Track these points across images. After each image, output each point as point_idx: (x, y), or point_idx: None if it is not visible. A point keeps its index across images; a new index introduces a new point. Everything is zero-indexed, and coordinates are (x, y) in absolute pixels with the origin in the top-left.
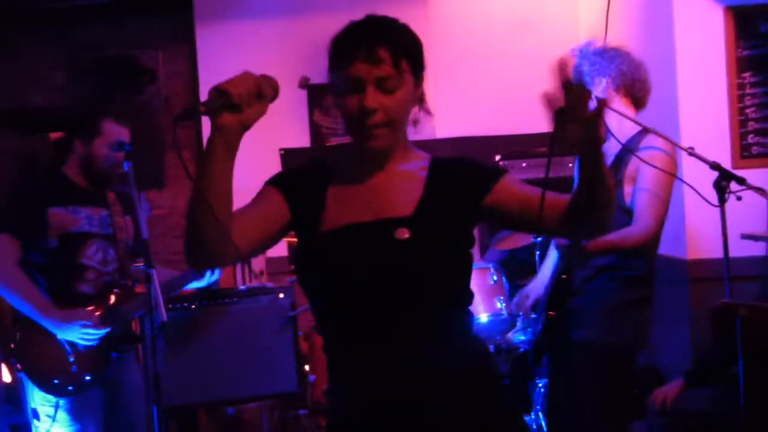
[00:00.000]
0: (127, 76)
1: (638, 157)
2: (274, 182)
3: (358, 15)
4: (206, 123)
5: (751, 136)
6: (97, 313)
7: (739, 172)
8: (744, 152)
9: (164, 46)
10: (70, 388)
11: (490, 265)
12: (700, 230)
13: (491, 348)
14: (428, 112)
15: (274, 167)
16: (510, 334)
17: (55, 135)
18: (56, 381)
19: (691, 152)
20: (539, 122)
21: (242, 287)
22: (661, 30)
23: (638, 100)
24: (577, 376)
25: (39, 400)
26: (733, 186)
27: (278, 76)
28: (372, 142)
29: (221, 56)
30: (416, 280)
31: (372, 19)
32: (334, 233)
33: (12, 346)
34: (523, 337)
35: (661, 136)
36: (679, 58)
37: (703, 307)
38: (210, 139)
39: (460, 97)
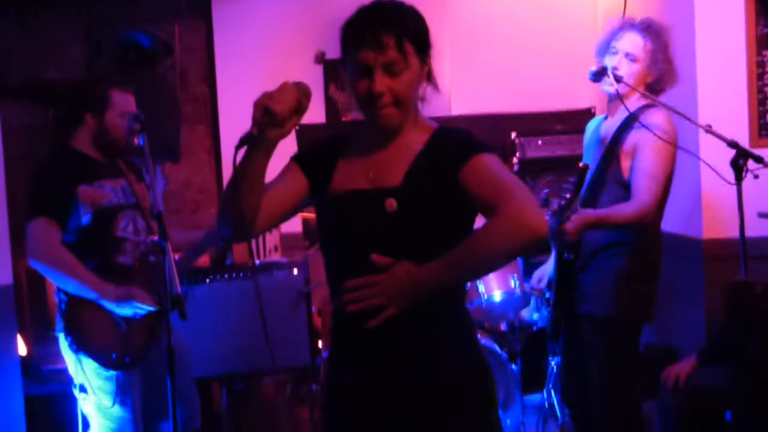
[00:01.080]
0: (144, 49)
1: (642, 126)
2: (296, 158)
3: None
4: (222, 98)
5: None
6: (149, 288)
7: (757, 151)
8: (762, 131)
9: (180, 20)
10: (127, 359)
11: None
12: (716, 209)
13: (504, 327)
14: (436, 88)
15: (290, 141)
16: (523, 312)
17: None
18: (114, 355)
19: (709, 130)
20: (555, 100)
21: (257, 262)
22: (681, 7)
23: (654, 91)
24: (585, 349)
25: (92, 375)
26: (751, 164)
27: (294, 51)
28: (382, 121)
29: (237, 30)
30: (402, 251)
31: (377, 6)
32: (336, 198)
33: (64, 323)
34: (536, 315)
35: (670, 110)
36: (698, 35)
37: (717, 285)
38: (254, 149)
39: (476, 75)
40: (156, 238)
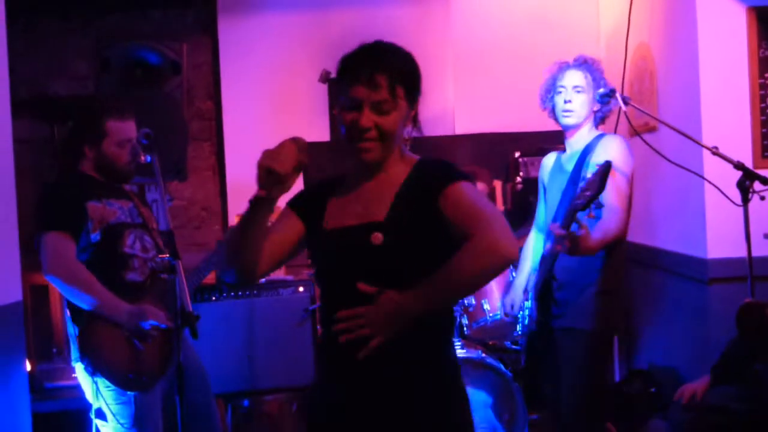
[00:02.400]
0: (151, 67)
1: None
2: (291, 204)
3: (380, 12)
4: (227, 116)
5: None
6: (160, 305)
7: (761, 172)
8: (765, 152)
9: (186, 38)
10: (144, 379)
11: None
12: (720, 229)
13: (507, 344)
14: (420, 132)
15: None
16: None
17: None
18: (131, 375)
19: (715, 152)
20: None
21: (262, 280)
22: (684, 29)
23: (601, 118)
24: (565, 361)
25: (110, 399)
26: (757, 186)
27: (299, 70)
28: (364, 155)
29: (243, 49)
30: (389, 282)
31: (378, 46)
32: (325, 234)
33: (80, 348)
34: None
35: (678, 132)
36: (702, 58)
37: (722, 305)
38: (258, 204)
39: (480, 94)
40: (167, 256)
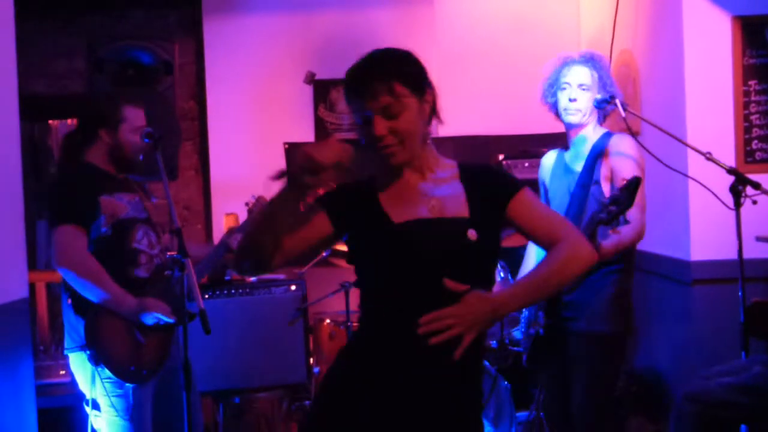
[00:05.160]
0: (143, 67)
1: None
2: (320, 201)
3: (365, 13)
4: (212, 116)
5: (755, 142)
6: (164, 301)
7: None
8: (748, 157)
9: (171, 38)
10: (144, 372)
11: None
12: (704, 232)
13: (494, 344)
14: (440, 121)
15: (279, 161)
16: (513, 330)
17: (54, 122)
18: (132, 367)
19: (709, 157)
20: (542, 123)
21: (254, 278)
22: (670, 38)
23: (604, 115)
24: (576, 364)
25: (108, 389)
26: (748, 190)
27: (284, 71)
28: (391, 160)
29: (228, 49)
30: (473, 278)
31: (370, 57)
32: (407, 225)
33: (86, 339)
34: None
35: (672, 137)
36: (687, 65)
37: (705, 307)
38: (286, 190)
39: (464, 96)
40: (175, 253)
